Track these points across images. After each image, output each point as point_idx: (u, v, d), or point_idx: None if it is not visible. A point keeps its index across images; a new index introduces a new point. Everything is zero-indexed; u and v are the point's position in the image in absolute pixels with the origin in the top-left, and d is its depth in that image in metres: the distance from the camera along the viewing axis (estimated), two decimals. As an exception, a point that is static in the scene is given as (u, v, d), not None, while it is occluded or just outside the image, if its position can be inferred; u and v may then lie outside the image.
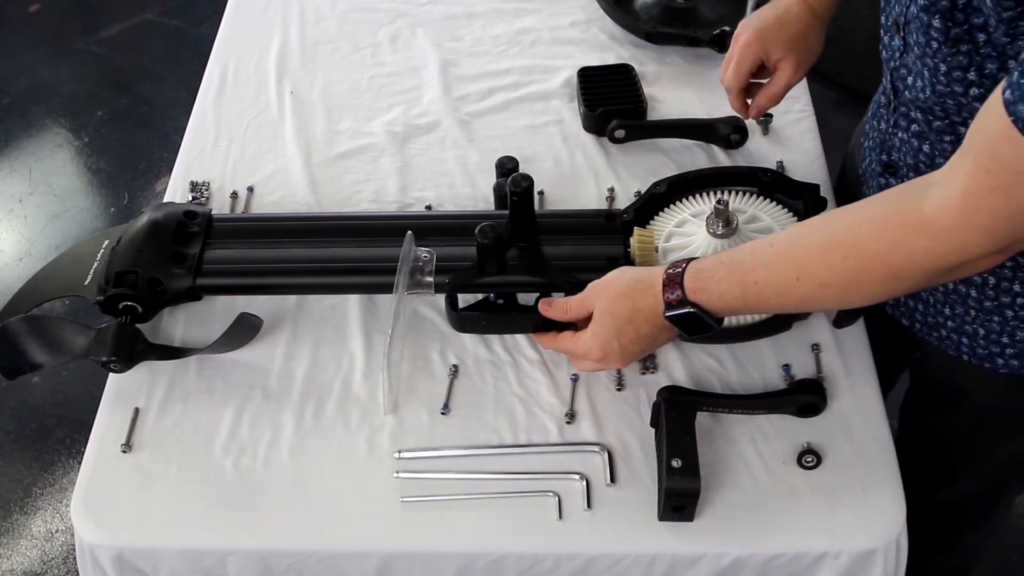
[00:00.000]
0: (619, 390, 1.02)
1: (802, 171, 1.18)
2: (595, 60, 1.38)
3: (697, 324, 0.87)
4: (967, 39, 0.76)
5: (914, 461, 1.04)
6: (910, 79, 0.87)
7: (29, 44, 2.85)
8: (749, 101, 1.15)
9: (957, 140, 0.84)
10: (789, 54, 1.07)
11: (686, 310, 0.85)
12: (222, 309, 1.11)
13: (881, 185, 1.01)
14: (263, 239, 1.09)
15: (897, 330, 1.07)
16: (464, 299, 1.08)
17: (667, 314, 0.86)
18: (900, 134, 0.95)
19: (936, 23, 0.78)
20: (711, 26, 1.37)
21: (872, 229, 0.76)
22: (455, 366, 1.05)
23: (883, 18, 0.90)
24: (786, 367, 1.03)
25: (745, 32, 1.09)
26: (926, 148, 0.91)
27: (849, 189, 1.17)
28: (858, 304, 0.85)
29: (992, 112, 0.66)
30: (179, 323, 1.11)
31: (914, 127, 0.91)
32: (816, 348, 1.04)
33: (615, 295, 0.91)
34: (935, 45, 0.79)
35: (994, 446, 1.14)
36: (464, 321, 1.05)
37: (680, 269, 0.87)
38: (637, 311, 0.89)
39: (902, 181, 0.95)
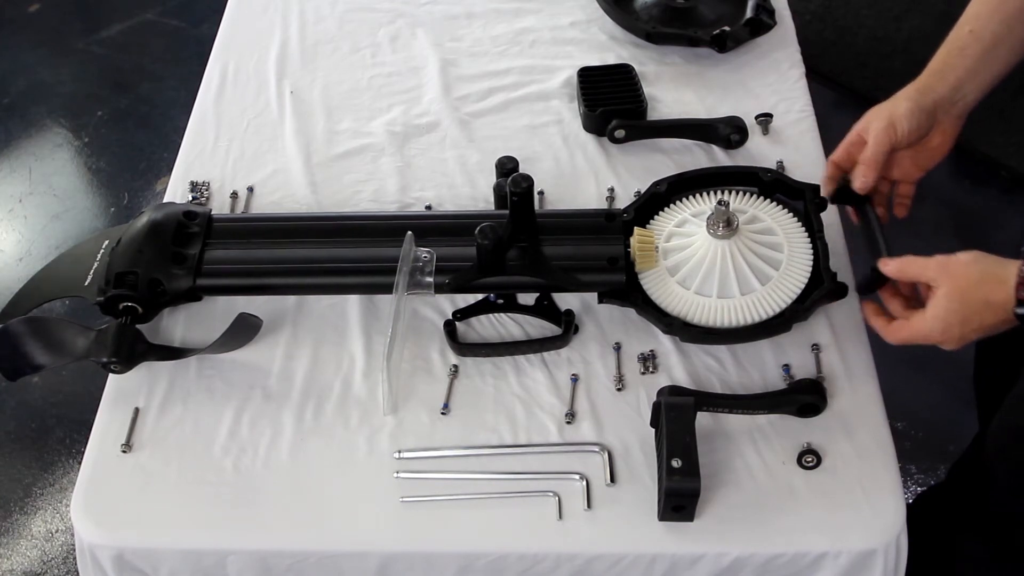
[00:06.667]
0: (619, 390, 1.02)
1: (802, 171, 1.18)
2: (595, 60, 1.38)
3: None
4: None
5: None
6: None
7: (29, 44, 2.85)
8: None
9: None
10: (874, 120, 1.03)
11: None
12: (222, 309, 1.11)
13: None
14: (263, 239, 1.09)
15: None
16: (464, 299, 1.09)
17: (1018, 311, 0.85)
18: None
19: None
20: (711, 26, 1.37)
21: None
22: (455, 366, 1.05)
23: None
24: (786, 367, 1.03)
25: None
26: None
27: (850, 189, 1.17)
28: None
29: None
30: (179, 323, 1.11)
31: None
32: (816, 348, 1.04)
33: (965, 284, 0.89)
34: None
35: None
36: (465, 348, 1.05)
37: None
38: (987, 305, 0.87)
39: None
